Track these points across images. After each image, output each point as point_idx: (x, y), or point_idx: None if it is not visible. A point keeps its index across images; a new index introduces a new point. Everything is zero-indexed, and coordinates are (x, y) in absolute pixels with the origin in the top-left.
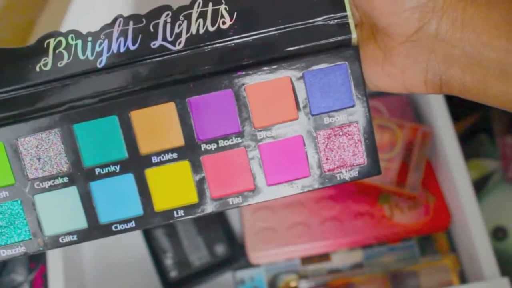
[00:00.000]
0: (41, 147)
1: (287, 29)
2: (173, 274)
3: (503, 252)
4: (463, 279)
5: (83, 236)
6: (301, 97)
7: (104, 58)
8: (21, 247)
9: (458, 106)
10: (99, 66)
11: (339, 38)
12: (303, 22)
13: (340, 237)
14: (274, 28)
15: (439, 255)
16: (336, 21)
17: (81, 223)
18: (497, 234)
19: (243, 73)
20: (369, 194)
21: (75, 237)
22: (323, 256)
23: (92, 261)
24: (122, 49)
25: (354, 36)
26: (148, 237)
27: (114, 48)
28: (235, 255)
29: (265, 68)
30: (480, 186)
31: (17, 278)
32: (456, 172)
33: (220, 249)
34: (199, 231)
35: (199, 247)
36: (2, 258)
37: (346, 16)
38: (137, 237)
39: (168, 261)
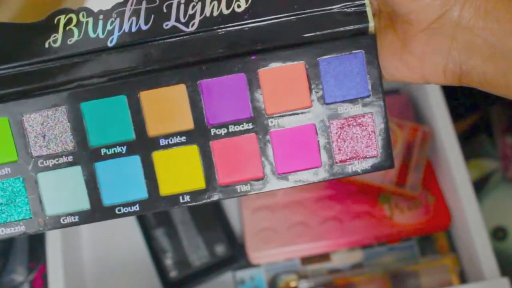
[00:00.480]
0: (47, 125)
1: (303, 15)
2: (173, 274)
3: (503, 252)
4: (463, 279)
5: (85, 217)
6: (315, 85)
7: (115, 37)
8: (21, 226)
9: (458, 106)
10: (109, 45)
11: (356, 26)
12: (320, 9)
13: (340, 237)
14: (290, 14)
15: (439, 255)
16: (353, 9)
17: (84, 204)
18: (497, 234)
19: (257, 57)
20: (369, 194)
21: (76, 219)
22: (323, 256)
23: (92, 261)
24: (133, 29)
25: (371, 24)
26: (148, 237)
27: (125, 27)
28: (235, 255)
29: (280, 53)
30: (480, 186)
31: (17, 278)
32: (456, 172)
33: (220, 249)
34: (199, 231)
35: (199, 247)
36: (0, 237)
37: (364, 4)
38: (137, 237)
39: (168, 261)
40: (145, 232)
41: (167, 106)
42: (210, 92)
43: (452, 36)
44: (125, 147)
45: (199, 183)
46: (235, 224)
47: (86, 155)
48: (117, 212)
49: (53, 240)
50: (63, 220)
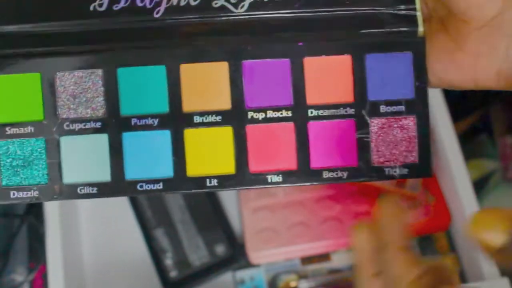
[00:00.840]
0: (79, 86)
1: (353, 12)
2: (173, 274)
3: None
4: (463, 279)
5: (104, 190)
6: (359, 80)
7: (162, 8)
8: (35, 191)
9: (458, 106)
10: (155, 15)
11: (405, 28)
12: (371, 8)
13: (340, 237)
14: (341, 8)
15: (439, 255)
16: (404, 12)
17: (104, 175)
18: None
19: (304, 45)
20: (369, 194)
21: (94, 190)
22: (323, 256)
23: (92, 261)
24: (182, 3)
25: (421, 29)
26: (148, 237)
27: (174, 0)
28: (235, 255)
29: (327, 44)
30: (480, 186)
31: (17, 278)
32: (456, 172)
33: (220, 249)
34: (199, 231)
35: (199, 247)
36: (11, 201)
37: (414, 8)
38: (137, 237)
39: (168, 261)
40: (145, 232)
41: (206, 83)
42: (252, 74)
43: (511, 35)
44: (157, 119)
45: (229, 168)
46: (235, 224)
47: (115, 123)
48: (138, 188)
49: (53, 240)
50: (80, 190)
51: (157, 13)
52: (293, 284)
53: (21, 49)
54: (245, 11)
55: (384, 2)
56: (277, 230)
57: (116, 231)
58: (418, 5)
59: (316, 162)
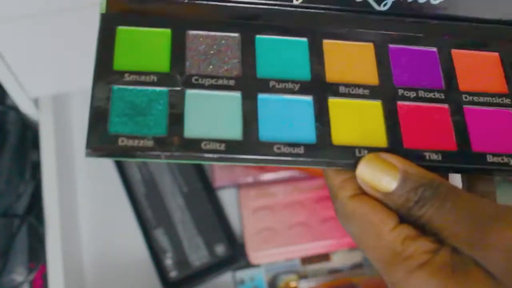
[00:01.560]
0: (213, 47)
1: (500, 24)
2: (173, 274)
3: None
4: None
5: (234, 148)
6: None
7: None
8: (149, 141)
9: None
10: (295, 2)
11: None
12: None
13: (340, 237)
14: (486, 18)
15: None
16: None
17: (235, 133)
18: None
19: (450, 38)
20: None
21: (222, 147)
22: (323, 256)
23: (92, 261)
24: None
25: None
26: (148, 237)
27: None
28: (235, 255)
29: (473, 42)
30: None
31: (17, 278)
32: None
33: (220, 249)
34: (199, 231)
35: (199, 247)
36: (118, 149)
37: None
38: (137, 237)
39: (168, 261)
40: (145, 232)
41: (350, 60)
42: (398, 57)
43: None
44: (298, 85)
45: (380, 142)
46: (235, 224)
47: (251, 83)
48: (275, 150)
49: (53, 240)
50: (205, 146)
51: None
52: (293, 284)
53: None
54: (387, 10)
55: None
56: (277, 230)
57: (116, 231)
58: None
59: (477, 145)
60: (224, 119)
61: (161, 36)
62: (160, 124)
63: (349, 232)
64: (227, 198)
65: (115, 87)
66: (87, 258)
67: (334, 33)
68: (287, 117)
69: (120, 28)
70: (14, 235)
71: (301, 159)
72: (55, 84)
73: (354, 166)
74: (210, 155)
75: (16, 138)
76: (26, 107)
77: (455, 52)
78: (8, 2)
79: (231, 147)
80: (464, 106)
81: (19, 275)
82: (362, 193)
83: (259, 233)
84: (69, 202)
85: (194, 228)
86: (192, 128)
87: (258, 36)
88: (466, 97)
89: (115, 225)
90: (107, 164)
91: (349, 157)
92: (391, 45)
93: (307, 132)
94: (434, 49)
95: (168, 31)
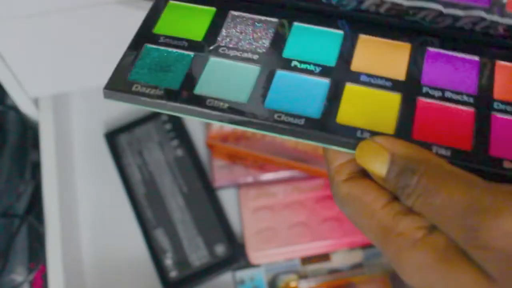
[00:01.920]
0: (249, 27)
1: None
2: (173, 274)
3: None
4: None
5: (236, 110)
6: None
7: None
8: (160, 91)
9: None
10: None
11: None
12: None
13: (340, 237)
14: None
15: None
16: None
17: (241, 97)
18: None
19: (497, 50)
20: None
21: (225, 106)
22: (323, 256)
23: (92, 261)
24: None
25: None
26: (148, 237)
27: None
28: (235, 255)
29: None
30: None
31: (17, 278)
32: None
33: (220, 249)
34: (199, 231)
35: (199, 247)
36: (130, 93)
37: None
38: (137, 237)
39: (168, 261)
40: (145, 232)
41: (381, 55)
42: (434, 61)
43: None
44: (320, 68)
45: (387, 128)
46: (235, 224)
47: (273, 61)
48: (276, 117)
49: (53, 240)
50: (209, 103)
51: None
52: (293, 284)
53: None
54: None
55: None
56: (277, 230)
57: (116, 231)
58: None
59: (496, 150)
60: (237, 85)
61: (206, 12)
62: (175, 80)
63: (345, 214)
64: (227, 198)
65: (149, 46)
66: (87, 258)
67: (376, 31)
68: (298, 93)
69: (172, 2)
70: (14, 235)
71: (299, 129)
72: (55, 84)
73: (352, 147)
74: (211, 112)
75: (16, 138)
76: (26, 107)
77: (499, 64)
78: (8, 2)
79: (233, 108)
80: (493, 113)
81: (19, 275)
82: (357, 176)
83: (259, 233)
84: (69, 202)
85: (194, 228)
86: (204, 87)
87: (296, 24)
88: (498, 105)
89: (115, 225)
90: (107, 164)
91: (350, 136)
92: (430, 49)
93: (313, 109)
94: (477, 58)
95: (213, 9)
